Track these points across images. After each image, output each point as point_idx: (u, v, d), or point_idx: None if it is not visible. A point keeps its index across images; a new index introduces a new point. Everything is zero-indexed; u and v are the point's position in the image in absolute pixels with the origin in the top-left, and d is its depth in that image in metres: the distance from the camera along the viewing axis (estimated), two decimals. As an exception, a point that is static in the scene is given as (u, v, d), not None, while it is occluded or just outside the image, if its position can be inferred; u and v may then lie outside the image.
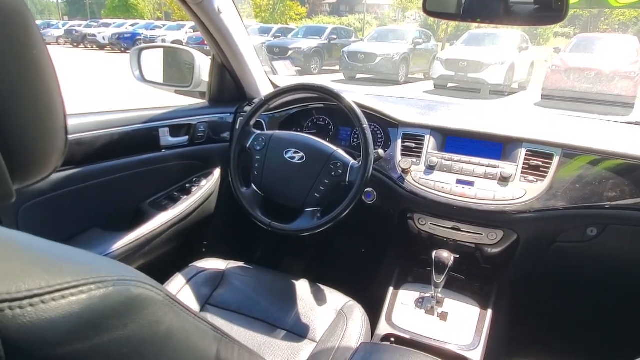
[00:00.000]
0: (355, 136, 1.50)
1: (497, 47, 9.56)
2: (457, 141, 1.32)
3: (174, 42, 15.83)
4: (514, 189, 1.18)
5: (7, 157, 0.34)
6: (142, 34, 17.54)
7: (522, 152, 1.22)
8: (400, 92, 9.54)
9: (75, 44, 20.35)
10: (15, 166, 0.35)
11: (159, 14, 31.53)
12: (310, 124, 1.57)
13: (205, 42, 1.44)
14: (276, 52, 11.83)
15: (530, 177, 1.19)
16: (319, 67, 12.29)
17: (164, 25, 19.42)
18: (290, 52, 11.76)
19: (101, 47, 18.78)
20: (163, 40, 15.94)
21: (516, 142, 1.24)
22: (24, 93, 0.35)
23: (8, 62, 0.33)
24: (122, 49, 17.20)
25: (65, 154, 0.41)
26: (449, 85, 9.54)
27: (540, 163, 1.19)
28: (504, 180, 1.20)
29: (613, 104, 7.24)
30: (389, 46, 10.90)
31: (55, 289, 0.29)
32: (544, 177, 1.18)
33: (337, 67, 11.90)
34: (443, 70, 9.23)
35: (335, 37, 12.95)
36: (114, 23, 21.65)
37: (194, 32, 16.41)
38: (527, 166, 1.20)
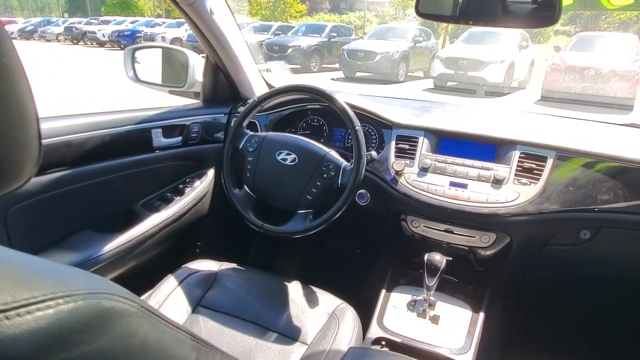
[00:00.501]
0: (350, 137, 1.49)
1: (498, 45, 9.53)
2: (451, 143, 1.31)
3: (173, 39, 15.82)
4: (508, 192, 1.17)
5: None
6: (142, 31, 17.51)
7: (515, 155, 1.21)
8: (400, 90, 9.52)
9: (75, 41, 20.30)
10: None
11: (159, 11, 31.40)
12: (304, 125, 1.56)
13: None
14: (276, 50, 11.80)
15: (524, 180, 1.18)
16: (319, 65, 12.25)
17: (163, 23, 19.37)
18: (289, 50, 11.71)
19: (101, 44, 18.76)
20: (163, 38, 15.93)
21: (510, 144, 1.24)
22: None
23: None
24: (122, 46, 17.15)
25: (39, 163, 0.40)
26: (449, 83, 9.51)
27: (534, 165, 1.19)
28: (497, 182, 1.19)
29: (611, 105, 7.22)
30: (388, 44, 10.86)
31: (20, 304, 0.28)
32: (538, 179, 1.17)
33: (337, 65, 11.85)
34: (443, 69, 9.20)
35: (335, 34, 12.90)
36: (113, 20, 21.60)
37: (193, 29, 16.36)
38: (520, 168, 1.20)
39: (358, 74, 10.98)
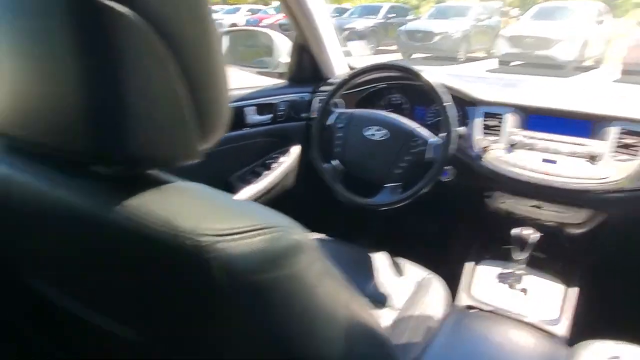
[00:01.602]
0: (431, 115, 1.50)
1: (569, 20, 8.87)
2: (539, 119, 1.29)
3: (231, 25, 16.20)
4: (604, 168, 1.14)
5: (197, 120, 0.40)
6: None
7: (612, 130, 1.17)
8: (461, 71, 9.18)
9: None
10: (201, 129, 0.42)
11: (216, -3, 32.02)
12: (385, 103, 1.59)
13: (282, 26, 1.50)
14: (331, 33, 11.70)
15: (622, 156, 1.14)
16: (375, 48, 12.02)
17: (221, 9, 19.79)
18: (345, 33, 11.57)
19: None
20: (220, 24, 16.33)
21: (606, 120, 1.20)
22: (211, 64, 0.41)
23: (202, 40, 0.39)
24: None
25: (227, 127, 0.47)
26: (513, 63, 9.02)
27: (633, 141, 1.15)
28: (592, 159, 1.16)
29: None
30: (448, 23, 10.45)
31: (245, 229, 0.36)
32: (637, 155, 1.13)
33: (394, 47, 11.58)
34: (508, 48, 8.73)
35: (393, 15, 12.58)
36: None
37: (252, 14, 16.65)
38: (618, 144, 1.16)
39: (415, 55, 10.68)
